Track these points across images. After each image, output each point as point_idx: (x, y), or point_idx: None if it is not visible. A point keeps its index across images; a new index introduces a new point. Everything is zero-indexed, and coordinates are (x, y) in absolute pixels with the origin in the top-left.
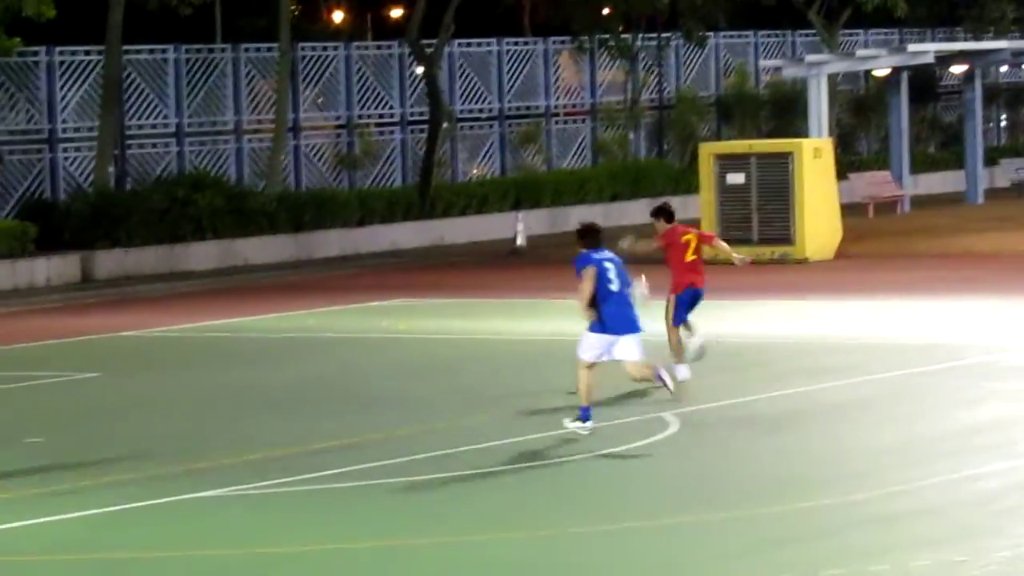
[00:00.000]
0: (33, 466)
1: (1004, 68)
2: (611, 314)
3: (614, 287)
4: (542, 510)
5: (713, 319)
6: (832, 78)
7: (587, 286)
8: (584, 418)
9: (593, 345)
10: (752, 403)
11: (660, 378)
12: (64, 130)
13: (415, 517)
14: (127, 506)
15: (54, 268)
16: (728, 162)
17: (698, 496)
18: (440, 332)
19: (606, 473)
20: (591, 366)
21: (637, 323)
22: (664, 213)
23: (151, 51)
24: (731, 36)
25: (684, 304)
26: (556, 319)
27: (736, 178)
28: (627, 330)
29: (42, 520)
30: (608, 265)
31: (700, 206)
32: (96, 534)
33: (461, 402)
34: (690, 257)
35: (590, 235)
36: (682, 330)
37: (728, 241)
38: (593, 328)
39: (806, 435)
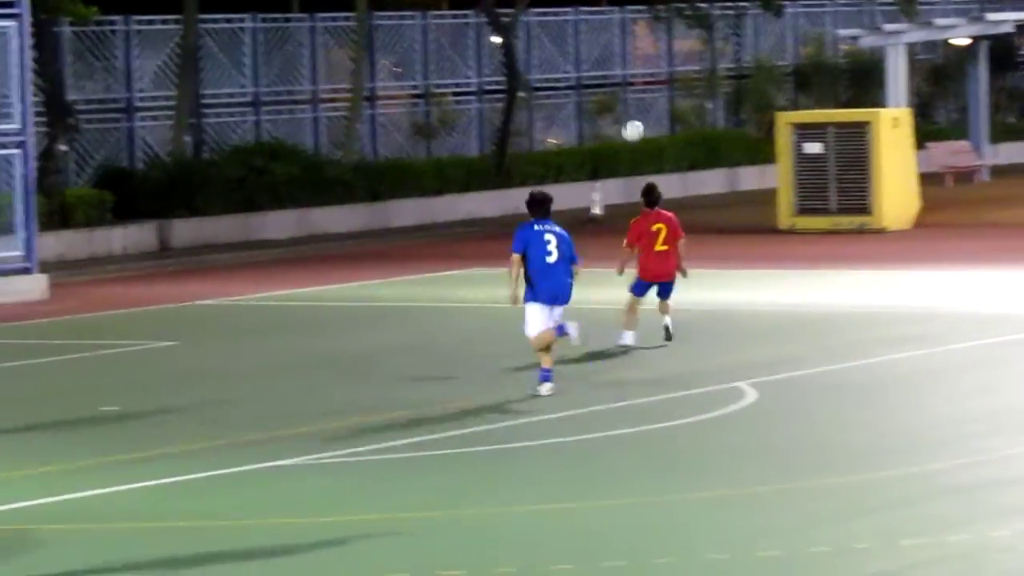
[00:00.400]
0: (109, 434)
1: None
2: (544, 287)
3: (551, 259)
4: (625, 479)
5: (791, 288)
6: (910, 47)
7: (513, 270)
8: (544, 379)
9: (536, 319)
10: (831, 372)
11: (562, 330)
12: (141, 99)
13: (496, 486)
14: (204, 474)
15: (131, 237)
16: (805, 132)
17: (778, 465)
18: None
19: (687, 442)
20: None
21: (569, 295)
22: (645, 196)
23: (228, 20)
24: (809, 5)
25: (645, 288)
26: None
27: (813, 148)
28: (559, 302)
29: (119, 488)
30: (549, 237)
31: (777, 176)
32: (173, 502)
33: (530, 372)
34: (659, 247)
35: (536, 205)
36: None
37: (806, 211)
38: (527, 298)
39: (885, 404)
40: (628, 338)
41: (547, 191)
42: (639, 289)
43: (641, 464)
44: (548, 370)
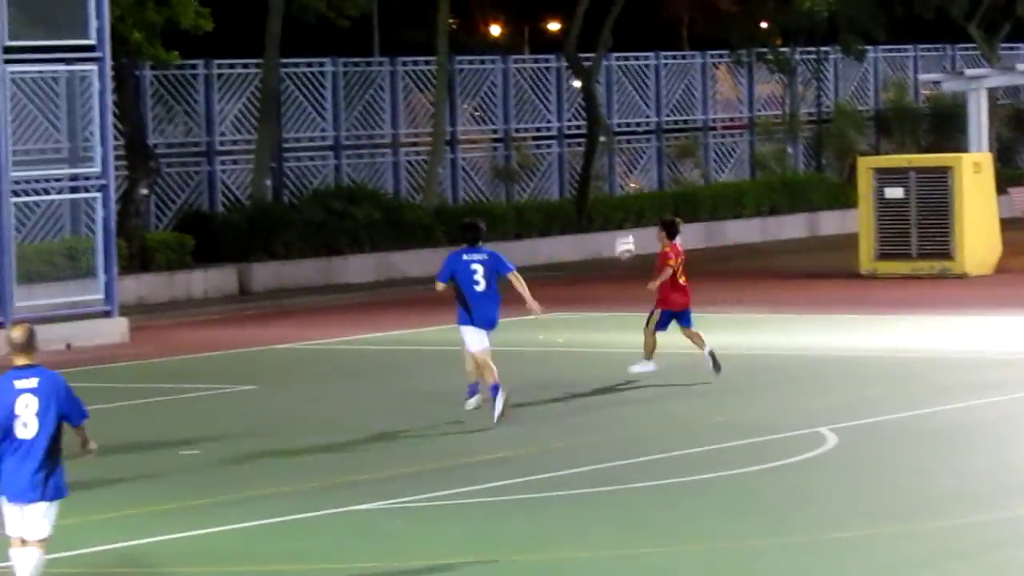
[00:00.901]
0: (190, 478)
1: None
2: (477, 314)
3: (479, 288)
4: (707, 523)
5: (871, 333)
6: (992, 92)
7: (440, 287)
8: (471, 393)
9: (474, 335)
10: (912, 418)
11: (493, 389)
12: (222, 143)
13: (579, 530)
14: (284, 518)
15: (211, 280)
16: (887, 176)
17: (862, 510)
18: (597, 346)
19: (769, 487)
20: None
21: (495, 321)
22: (668, 227)
23: (309, 64)
24: (890, 50)
25: (668, 321)
26: (713, 332)
27: (895, 192)
28: (487, 326)
29: (199, 532)
30: (475, 267)
31: (858, 220)
32: (254, 546)
33: (618, 416)
34: (682, 280)
35: (465, 231)
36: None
37: (887, 256)
38: (463, 321)
39: (968, 450)
40: (649, 366)
41: (478, 220)
42: (664, 324)
43: (723, 508)
44: (475, 385)
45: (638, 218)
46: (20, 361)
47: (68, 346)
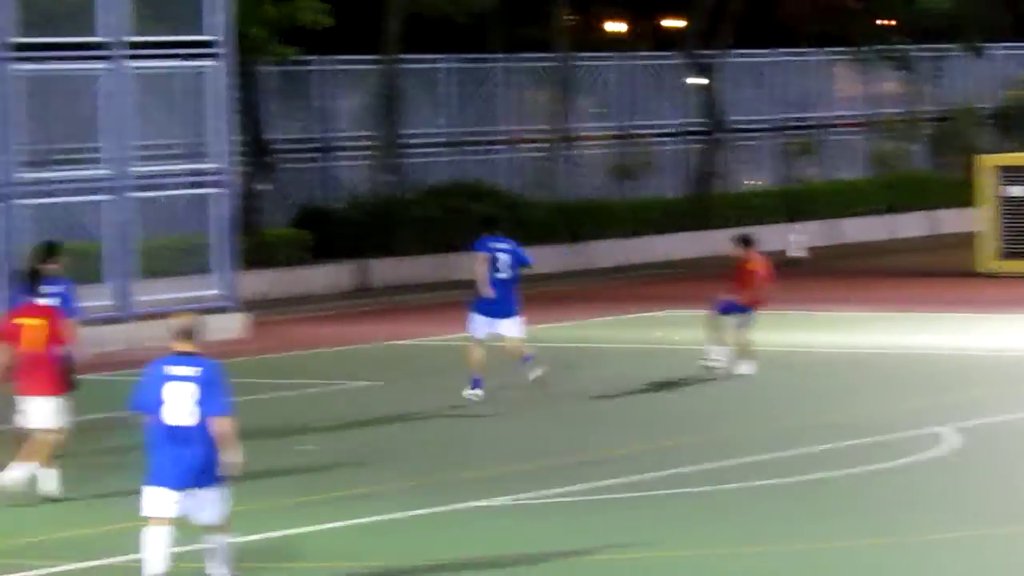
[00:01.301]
0: (305, 474)
1: None
2: (494, 298)
3: (501, 275)
4: (816, 524)
5: (990, 332)
6: None
7: (478, 268)
8: (475, 386)
9: (479, 323)
10: None
11: (526, 360)
12: (340, 139)
13: (683, 529)
14: (399, 515)
15: (330, 276)
16: (1010, 174)
17: (980, 510)
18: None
19: (877, 488)
20: (480, 341)
21: (515, 309)
22: (746, 242)
23: (426, 60)
24: (1012, 47)
25: (732, 309)
26: (834, 331)
27: (1018, 191)
28: (506, 314)
29: (313, 528)
30: (500, 255)
31: (980, 219)
32: (368, 542)
33: (732, 415)
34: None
35: (489, 224)
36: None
37: (1010, 255)
38: (476, 308)
39: None
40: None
41: (498, 211)
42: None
43: (831, 509)
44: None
45: (757, 216)
46: (180, 348)
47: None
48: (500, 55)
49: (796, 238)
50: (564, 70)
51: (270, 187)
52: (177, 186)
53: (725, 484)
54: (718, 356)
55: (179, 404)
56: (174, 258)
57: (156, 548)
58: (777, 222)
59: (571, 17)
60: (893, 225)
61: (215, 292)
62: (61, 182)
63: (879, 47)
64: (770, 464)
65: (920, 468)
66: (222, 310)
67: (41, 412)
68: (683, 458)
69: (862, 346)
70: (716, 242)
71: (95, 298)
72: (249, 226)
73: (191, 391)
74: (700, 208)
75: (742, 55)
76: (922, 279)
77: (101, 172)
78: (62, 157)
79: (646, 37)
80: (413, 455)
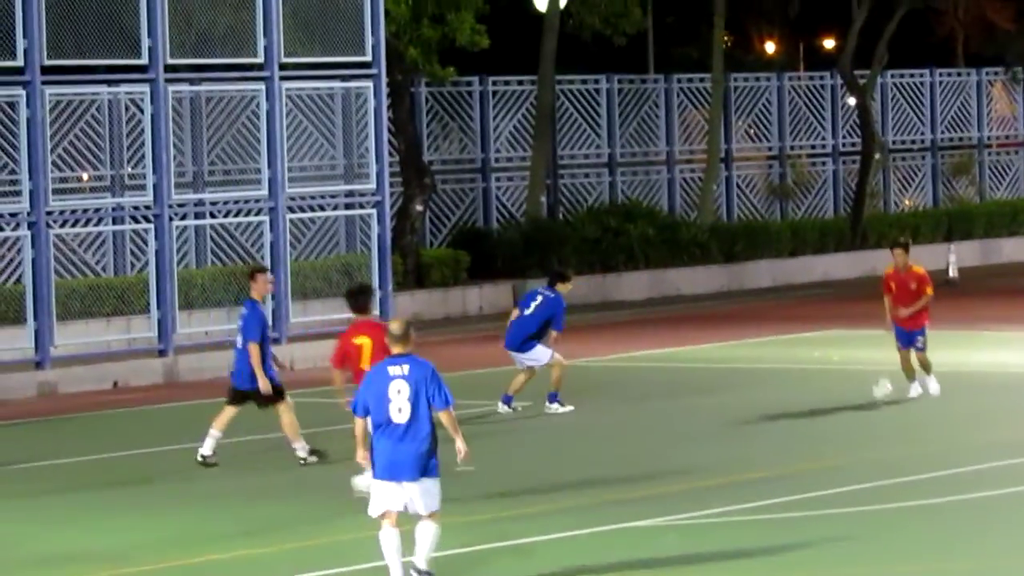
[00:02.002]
0: (465, 494)
1: None
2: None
3: (527, 311)
4: (980, 541)
5: None
6: None
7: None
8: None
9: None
10: None
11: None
12: (497, 159)
13: (847, 548)
14: (564, 534)
15: (486, 296)
16: None
17: None
18: (874, 363)
19: None
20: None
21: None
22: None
23: (584, 81)
24: None
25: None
26: (982, 350)
27: None
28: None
29: (474, 548)
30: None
31: None
32: (530, 563)
33: (890, 433)
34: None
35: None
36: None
37: None
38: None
39: None
40: (933, 386)
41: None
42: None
43: (1000, 526)
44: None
45: (913, 235)
46: (396, 350)
47: None
48: (657, 75)
49: (953, 258)
50: (721, 90)
51: (424, 209)
52: (333, 207)
53: (880, 504)
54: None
55: (398, 402)
56: (329, 279)
57: (393, 552)
58: (934, 242)
59: (727, 37)
60: None
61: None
62: (216, 203)
63: None
64: (929, 483)
65: None
66: None
67: None
68: (857, 476)
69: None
70: (873, 262)
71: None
72: (405, 247)
73: (408, 389)
74: (857, 228)
75: (898, 74)
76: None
77: (257, 193)
78: (218, 179)
79: (802, 57)
80: (572, 474)
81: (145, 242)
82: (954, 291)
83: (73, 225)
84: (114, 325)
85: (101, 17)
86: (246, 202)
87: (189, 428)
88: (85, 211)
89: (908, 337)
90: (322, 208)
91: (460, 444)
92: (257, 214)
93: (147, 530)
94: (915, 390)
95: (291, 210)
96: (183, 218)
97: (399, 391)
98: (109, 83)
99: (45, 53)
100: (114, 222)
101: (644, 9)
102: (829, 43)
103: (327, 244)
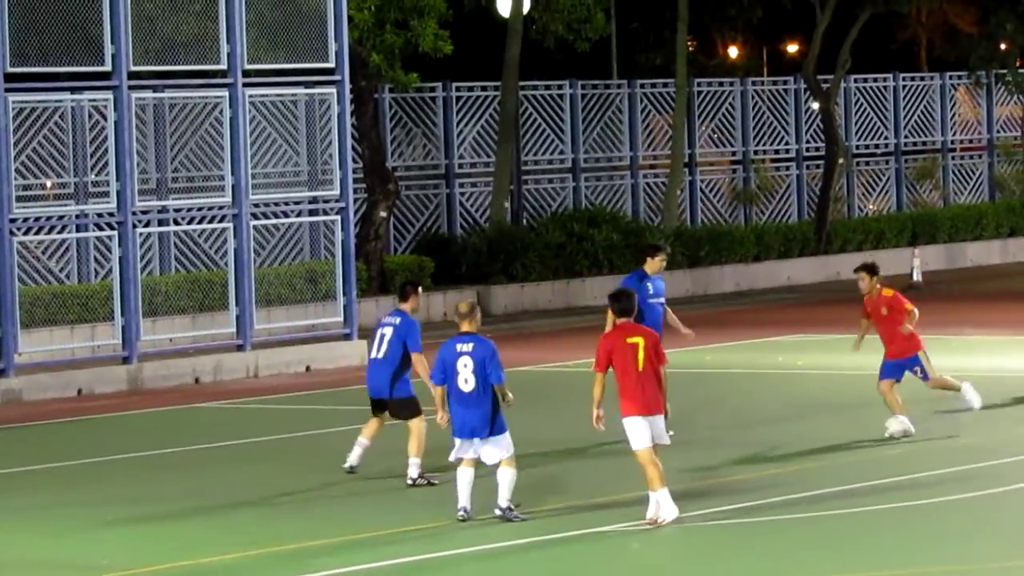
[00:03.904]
0: (435, 500)
1: None
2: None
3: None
4: (943, 547)
5: None
6: None
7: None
8: None
9: None
10: None
11: None
12: (461, 165)
13: (826, 551)
14: (533, 539)
15: (451, 303)
16: None
17: None
18: (837, 368)
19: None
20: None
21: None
22: (872, 270)
23: (547, 86)
24: None
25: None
26: (950, 355)
27: None
28: None
29: (442, 554)
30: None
31: None
32: (501, 569)
33: (859, 437)
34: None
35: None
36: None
37: None
38: None
39: None
40: (896, 424)
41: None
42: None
43: (966, 531)
44: None
45: (877, 240)
46: (463, 328)
47: (308, 368)
48: (621, 80)
49: (917, 262)
50: (685, 95)
51: (388, 215)
52: (297, 213)
53: (859, 507)
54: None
55: (464, 374)
56: (294, 286)
57: (464, 484)
58: (898, 246)
59: (691, 43)
60: (1015, 249)
61: (335, 320)
62: (179, 210)
63: (998, 71)
64: (894, 487)
65: None
66: (343, 338)
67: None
68: (814, 481)
69: (988, 369)
70: (838, 267)
71: (217, 326)
72: (369, 253)
73: (472, 363)
74: (821, 233)
75: (861, 79)
76: None
77: (221, 200)
78: (181, 185)
79: (766, 62)
80: (543, 480)
81: (109, 249)
82: (919, 296)
83: (37, 232)
84: (78, 332)
85: (65, 24)
86: (210, 209)
87: (153, 435)
88: (49, 218)
89: (897, 368)
90: (286, 215)
91: (510, 396)
92: (221, 221)
93: (114, 538)
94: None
95: (255, 217)
96: (147, 225)
97: (465, 365)
98: (72, 90)
99: (8, 60)
100: (78, 229)
101: (607, 15)
102: (793, 48)
103: (291, 251)
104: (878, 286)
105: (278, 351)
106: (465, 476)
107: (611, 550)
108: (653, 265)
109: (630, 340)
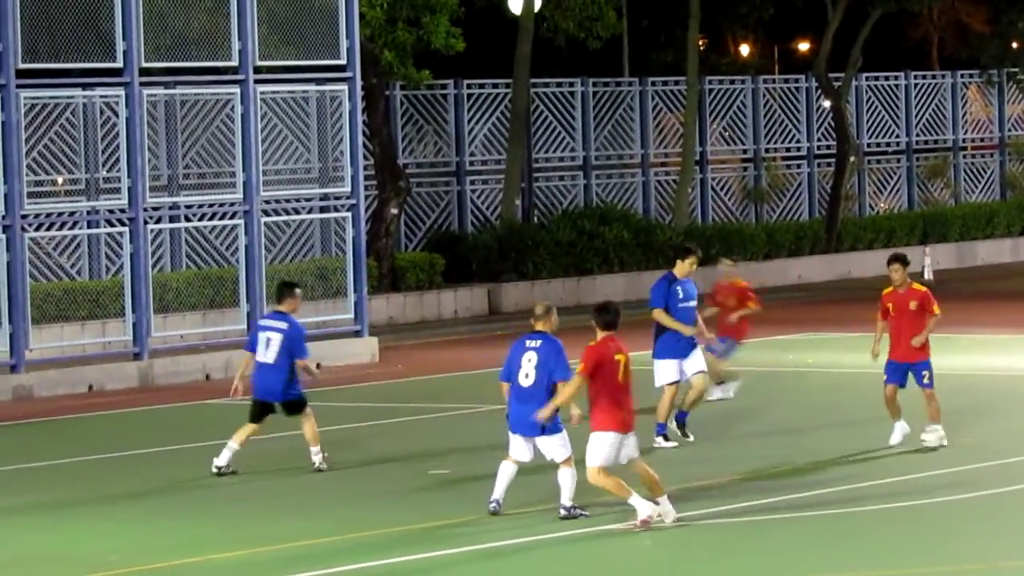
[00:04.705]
0: (438, 497)
1: None
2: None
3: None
4: (944, 546)
5: None
6: None
7: (662, 318)
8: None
9: (668, 370)
10: None
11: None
12: (472, 162)
13: (827, 550)
14: (531, 539)
15: (461, 300)
16: None
17: None
18: (847, 366)
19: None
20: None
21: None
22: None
23: (559, 84)
24: None
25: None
26: (960, 353)
27: None
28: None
29: (446, 552)
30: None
31: None
32: (500, 569)
33: (869, 436)
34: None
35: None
36: None
37: None
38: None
39: None
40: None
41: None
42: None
43: (967, 531)
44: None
45: (888, 238)
46: (537, 328)
47: (318, 365)
48: (632, 78)
49: (926, 261)
50: (696, 93)
51: (399, 212)
52: (308, 210)
53: (869, 505)
54: None
55: (527, 368)
56: (304, 283)
57: (502, 477)
58: (909, 244)
59: (702, 41)
60: None
61: (346, 316)
62: (190, 206)
63: (1010, 70)
64: (895, 487)
65: None
66: (353, 334)
67: None
68: (820, 480)
69: (997, 368)
70: (849, 265)
71: (228, 322)
72: (380, 250)
73: (537, 359)
74: (832, 231)
75: (873, 77)
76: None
77: (231, 196)
78: (192, 182)
79: (777, 60)
80: (544, 478)
81: (120, 246)
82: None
83: (48, 229)
84: (89, 329)
85: (76, 20)
86: (221, 205)
87: (163, 432)
88: (60, 215)
89: (902, 372)
90: (297, 211)
91: (574, 410)
92: (232, 217)
93: (123, 534)
94: (898, 434)
95: (266, 213)
96: (158, 221)
97: (529, 360)
98: (84, 86)
99: (20, 56)
100: (89, 226)
101: (619, 13)
102: (804, 46)
103: (302, 247)
104: (908, 279)
105: None
106: (506, 471)
107: (612, 550)
108: (683, 268)
109: (616, 356)
